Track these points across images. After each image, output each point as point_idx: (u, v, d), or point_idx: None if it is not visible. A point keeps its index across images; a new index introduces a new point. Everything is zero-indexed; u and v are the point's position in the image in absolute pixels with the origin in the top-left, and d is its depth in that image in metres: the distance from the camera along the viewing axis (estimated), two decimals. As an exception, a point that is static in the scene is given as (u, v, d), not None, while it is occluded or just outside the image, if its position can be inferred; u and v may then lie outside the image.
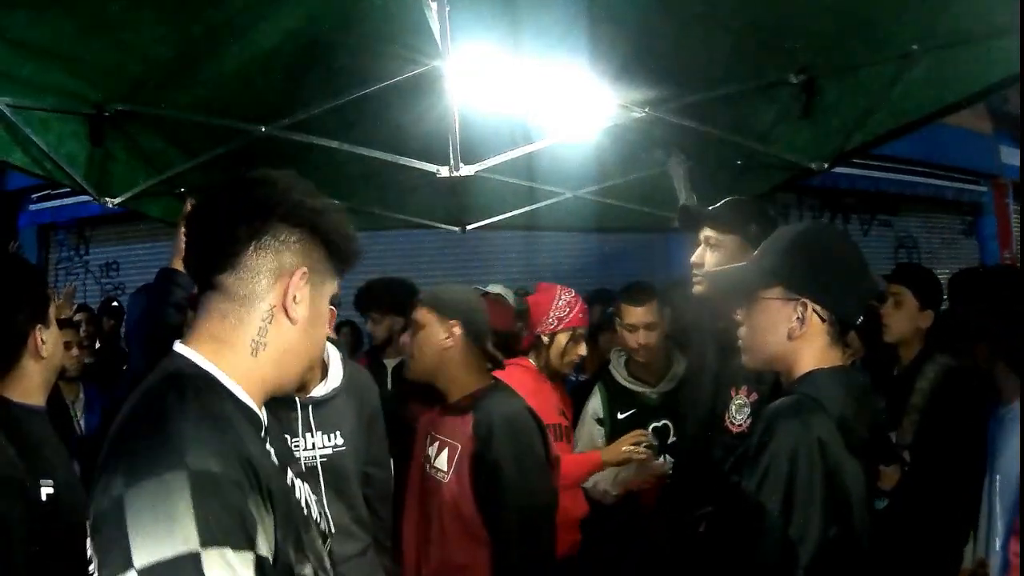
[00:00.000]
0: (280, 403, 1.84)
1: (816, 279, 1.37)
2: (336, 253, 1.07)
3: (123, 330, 5.17)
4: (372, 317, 3.67)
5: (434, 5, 1.73)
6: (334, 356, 2.07)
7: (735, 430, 2.01)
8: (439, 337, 2.00)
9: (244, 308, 1.00)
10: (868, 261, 1.43)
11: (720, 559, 1.36)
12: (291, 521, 0.93)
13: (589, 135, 2.76)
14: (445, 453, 1.98)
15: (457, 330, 2.00)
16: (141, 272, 7.08)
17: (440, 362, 2.02)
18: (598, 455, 2.54)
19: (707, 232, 2.08)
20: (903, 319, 2.58)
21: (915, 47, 2.10)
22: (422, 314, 2.03)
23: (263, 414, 1.03)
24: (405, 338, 2.09)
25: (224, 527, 0.76)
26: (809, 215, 7.75)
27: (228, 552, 0.75)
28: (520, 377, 2.46)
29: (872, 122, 2.47)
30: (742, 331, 1.46)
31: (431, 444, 2.06)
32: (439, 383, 2.04)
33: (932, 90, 2.21)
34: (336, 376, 2.03)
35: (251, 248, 0.99)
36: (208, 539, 0.74)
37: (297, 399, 1.92)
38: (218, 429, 0.86)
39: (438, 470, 1.98)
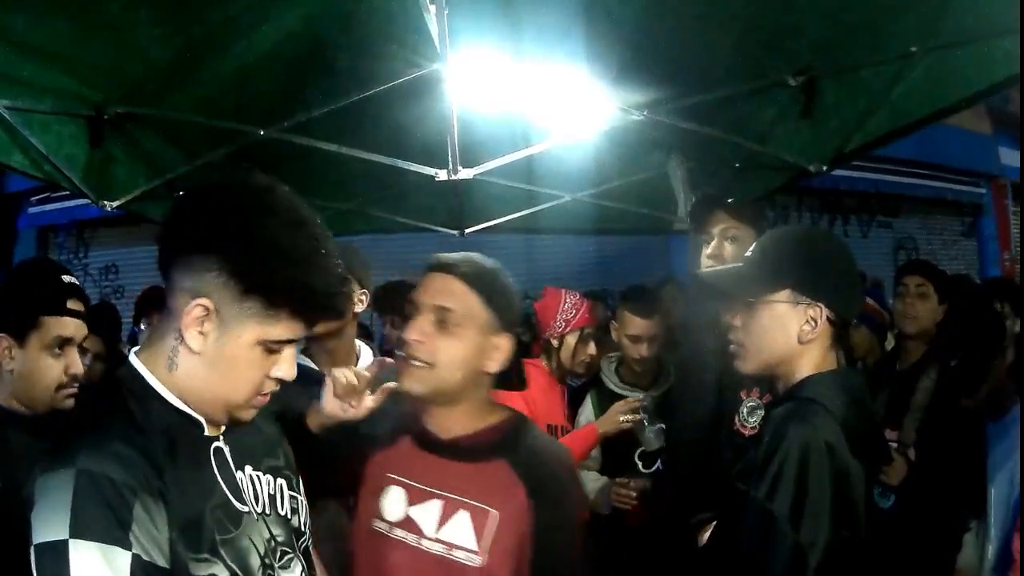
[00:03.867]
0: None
1: (826, 282, 1.37)
2: (275, 302, 0.96)
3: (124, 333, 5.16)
4: (392, 320, 3.55)
5: (433, 8, 1.73)
6: (366, 352, 2.03)
7: (748, 432, 1.99)
8: (484, 349, 1.32)
9: (165, 321, 1.01)
10: (868, 263, 1.43)
11: (726, 566, 1.35)
12: (197, 523, 0.93)
13: (588, 137, 2.75)
14: (463, 520, 1.29)
15: (507, 345, 1.35)
16: (141, 275, 7.06)
17: (471, 384, 1.34)
18: (592, 426, 2.51)
19: (726, 224, 2.07)
20: (928, 311, 2.63)
21: (915, 48, 2.09)
22: (468, 305, 1.31)
23: (202, 417, 1.01)
24: (416, 333, 1.32)
25: (97, 522, 0.83)
26: (809, 216, 7.75)
27: (98, 545, 0.82)
28: (535, 376, 2.52)
29: (872, 123, 2.46)
30: (739, 335, 1.42)
31: (414, 502, 1.33)
32: (442, 408, 1.36)
33: (932, 91, 2.20)
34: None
35: (176, 261, 0.97)
36: (78, 531, 0.82)
37: None
38: (121, 435, 0.91)
39: (452, 546, 1.28)
